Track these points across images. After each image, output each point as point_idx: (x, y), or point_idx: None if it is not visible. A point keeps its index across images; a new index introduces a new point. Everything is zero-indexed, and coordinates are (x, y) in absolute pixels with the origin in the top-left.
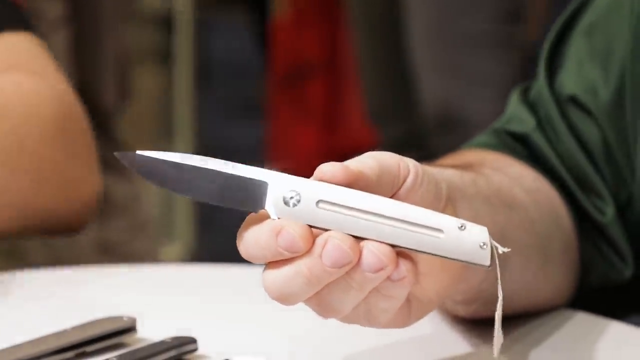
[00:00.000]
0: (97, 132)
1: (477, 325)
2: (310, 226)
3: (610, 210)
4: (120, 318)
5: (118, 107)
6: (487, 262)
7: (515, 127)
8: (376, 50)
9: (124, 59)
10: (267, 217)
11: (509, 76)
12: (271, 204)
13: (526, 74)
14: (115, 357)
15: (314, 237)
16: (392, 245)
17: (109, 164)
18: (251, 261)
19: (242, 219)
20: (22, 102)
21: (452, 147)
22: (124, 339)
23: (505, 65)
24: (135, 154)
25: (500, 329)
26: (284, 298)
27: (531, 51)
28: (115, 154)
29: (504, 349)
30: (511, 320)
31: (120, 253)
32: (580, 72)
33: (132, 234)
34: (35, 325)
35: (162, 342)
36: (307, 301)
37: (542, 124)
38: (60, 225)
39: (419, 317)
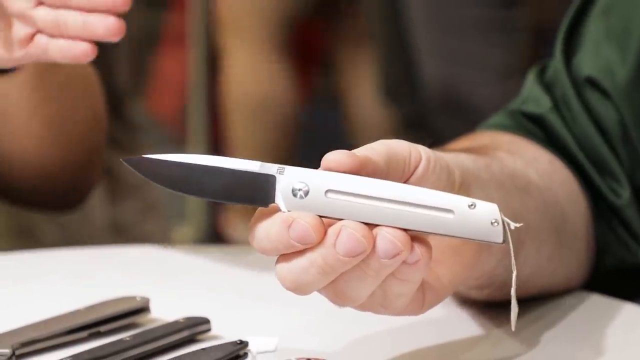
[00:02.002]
0: (112, 114)
1: (489, 308)
2: (321, 216)
3: (626, 193)
4: (133, 298)
5: (133, 89)
6: (500, 239)
7: (531, 108)
8: (383, 31)
9: (139, 40)
10: (277, 210)
11: (507, 60)
12: (280, 197)
13: (526, 58)
14: (129, 337)
15: (325, 228)
16: (404, 230)
17: (121, 145)
18: (264, 254)
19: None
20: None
21: (453, 128)
22: (137, 319)
23: (503, 49)
24: (140, 157)
25: (516, 303)
26: (299, 288)
27: (532, 35)
28: (121, 159)
29: (518, 330)
30: (526, 302)
31: (132, 234)
32: (597, 53)
33: (144, 215)
34: (48, 305)
35: (175, 323)
36: (323, 291)
37: (558, 105)
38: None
39: (432, 305)
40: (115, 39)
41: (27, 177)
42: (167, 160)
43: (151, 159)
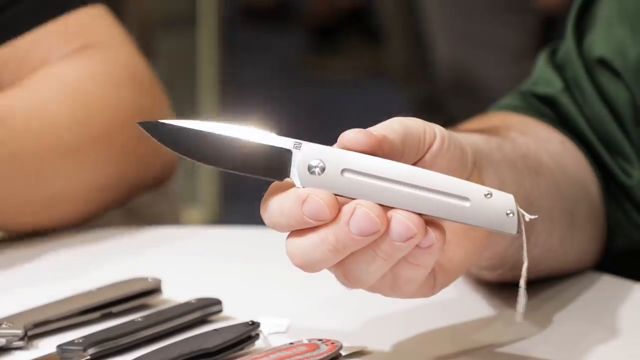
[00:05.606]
0: None
1: (501, 289)
2: (335, 195)
3: (637, 173)
4: (145, 279)
5: None
6: (514, 230)
7: (542, 89)
8: (397, 14)
9: (147, 22)
10: (291, 185)
11: (520, 41)
12: (295, 173)
13: (539, 39)
14: (141, 317)
15: (339, 206)
16: (418, 214)
17: None
18: (275, 229)
19: (266, 182)
20: (100, 89)
21: (466, 109)
22: (149, 300)
23: (516, 30)
24: (157, 122)
25: (524, 296)
26: (308, 265)
27: (545, 16)
28: (138, 123)
29: (530, 310)
30: (537, 283)
31: (144, 216)
32: (609, 33)
33: (155, 197)
34: (60, 286)
35: (187, 304)
36: (332, 270)
37: (569, 86)
38: (146, 188)
39: (443, 286)
40: None
41: None
42: (183, 127)
43: (167, 124)
